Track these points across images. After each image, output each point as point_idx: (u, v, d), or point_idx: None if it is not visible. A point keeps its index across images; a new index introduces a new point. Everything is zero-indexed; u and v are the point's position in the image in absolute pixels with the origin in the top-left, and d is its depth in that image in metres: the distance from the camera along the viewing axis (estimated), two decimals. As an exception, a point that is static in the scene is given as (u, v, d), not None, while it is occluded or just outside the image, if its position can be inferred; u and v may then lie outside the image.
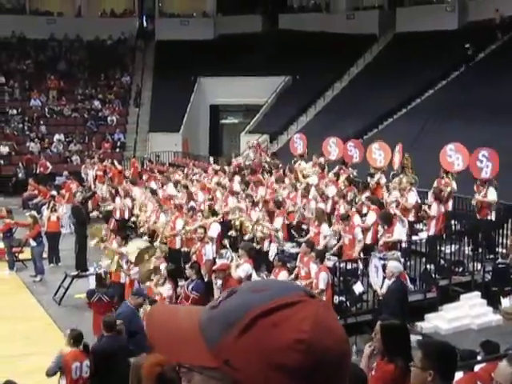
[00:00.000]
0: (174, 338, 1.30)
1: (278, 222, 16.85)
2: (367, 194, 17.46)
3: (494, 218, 16.28)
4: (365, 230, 15.40)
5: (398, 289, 11.78)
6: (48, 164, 32.47)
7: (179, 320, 1.33)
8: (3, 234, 19.92)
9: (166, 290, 13.21)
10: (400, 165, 18.53)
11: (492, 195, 16.04)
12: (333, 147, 21.74)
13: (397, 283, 11.82)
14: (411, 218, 16.45)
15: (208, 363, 1.25)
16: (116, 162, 29.68)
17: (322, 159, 21.35)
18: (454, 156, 17.59)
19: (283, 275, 12.93)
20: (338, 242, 15.93)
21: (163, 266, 14.02)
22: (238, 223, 17.91)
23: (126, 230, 19.36)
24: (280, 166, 23.25)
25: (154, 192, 21.16)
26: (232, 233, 18.09)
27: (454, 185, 16.99)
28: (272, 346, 1.21)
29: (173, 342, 1.30)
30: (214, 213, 17.57)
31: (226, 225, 17.91)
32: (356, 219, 15.53)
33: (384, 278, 12.86)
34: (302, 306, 1.25)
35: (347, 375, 1.28)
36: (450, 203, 17.03)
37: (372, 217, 15.53)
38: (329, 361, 1.23)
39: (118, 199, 22.22)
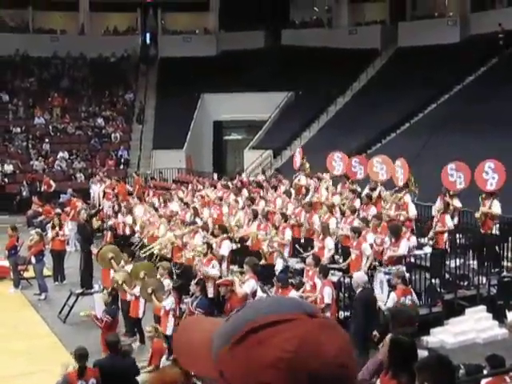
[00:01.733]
0: (191, 349, 1.36)
1: (288, 234, 16.85)
2: (372, 208, 17.41)
3: (497, 232, 16.29)
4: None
5: (365, 298, 12.15)
6: (51, 182, 32.48)
7: (199, 332, 1.39)
8: (8, 252, 19.90)
9: (169, 303, 13.20)
10: (406, 180, 18.24)
11: (496, 208, 16.05)
12: (337, 162, 21.71)
13: (363, 293, 12.20)
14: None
15: (211, 374, 1.29)
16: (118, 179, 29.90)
17: (325, 175, 21.35)
18: (455, 175, 17.52)
19: (292, 294, 12.88)
20: (345, 258, 15.93)
21: (166, 283, 14.02)
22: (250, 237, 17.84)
23: (131, 247, 19.41)
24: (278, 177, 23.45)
25: (156, 209, 21.27)
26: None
27: (457, 203, 16.94)
28: (255, 363, 1.23)
29: (189, 353, 1.37)
30: (224, 230, 17.53)
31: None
32: (370, 238, 15.39)
33: (389, 292, 12.87)
34: (293, 325, 1.25)
35: None
36: (455, 220, 16.99)
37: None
38: (314, 383, 1.22)
39: (120, 216, 22.30)
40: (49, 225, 22.54)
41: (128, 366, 10.23)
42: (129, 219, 21.78)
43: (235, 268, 15.14)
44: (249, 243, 17.81)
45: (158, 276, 14.43)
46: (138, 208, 22.60)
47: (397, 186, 18.17)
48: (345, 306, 13.96)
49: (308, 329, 1.25)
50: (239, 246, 18.11)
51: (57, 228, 20.12)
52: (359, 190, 19.67)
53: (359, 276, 12.61)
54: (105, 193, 28.59)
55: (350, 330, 11.24)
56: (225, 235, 17.03)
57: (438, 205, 16.46)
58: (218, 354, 1.28)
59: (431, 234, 16.23)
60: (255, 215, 18.14)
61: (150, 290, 13.55)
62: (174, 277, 15.14)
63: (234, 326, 1.28)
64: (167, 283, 13.91)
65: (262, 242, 16.95)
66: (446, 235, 15.85)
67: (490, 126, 26.15)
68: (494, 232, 16.19)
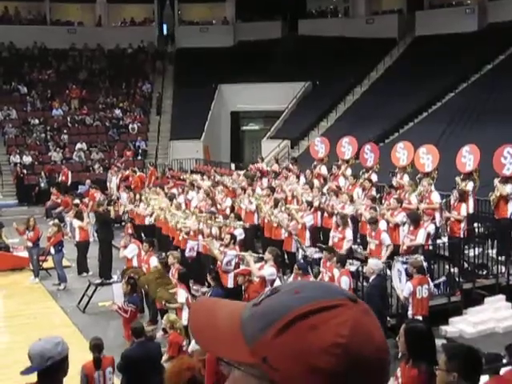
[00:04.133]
0: (215, 333, 1.32)
1: (309, 218, 16.95)
2: (394, 196, 17.37)
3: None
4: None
5: (380, 285, 12.37)
6: (69, 173, 32.60)
7: (221, 315, 1.35)
8: (33, 243, 19.93)
9: (181, 295, 13.22)
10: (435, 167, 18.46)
11: (509, 188, 16.11)
12: (346, 147, 21.90)
13: (378, 280, 12.36)
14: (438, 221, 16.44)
15: (246, 359, 1.27)
16: (136, 169, 29.92)
17: (340, 162, 21.49)
18: (467, 157, 17.63)
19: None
20: (364, 247, 15.93)
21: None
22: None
23: (151, 236, 19.50)
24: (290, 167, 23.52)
25: (171, 199, 21.16)
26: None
27: (469, 187, 16.89)
28: (309, 347, 1.22)
29: (213, 337, 1.33)
30: (238, 218, 17.58)
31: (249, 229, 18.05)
32: (382, 224, 15.45)
33: (407, 281, 12.85)
34: (342, 310, 1.25)
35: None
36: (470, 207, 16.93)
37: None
38: (366, 368, 1.23)
39: (142, 205, 22.27)
40: (67, 215, 22.64)
41: (156, 349, 10.36)
42: (146, 209, 21.73)
43: (246, 253, 15.03)
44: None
45: (170, 264, 14.55)
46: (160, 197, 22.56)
47: (420, 172, 18.25)
48: (363, 296, 13.95)
49: (356, 314, 1.26)
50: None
51: (80, 219, 20.21)
52: (375, 179, 19.71)
53: (375, 263, 12.64)
54: (120, 183, 28.63)
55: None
56: (238, 222, 17.10)
57: (455, 193, 16.40)
58: (260, 339, 1.26)
59: (444, 220, 16.26)
60: (276, 204, 18.18)
61: (163, 302, 13.58)
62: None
63: (276, 311, 1.26)
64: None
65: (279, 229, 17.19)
66: (462, 224, 15.79)
67: (508, 115, 25.96)
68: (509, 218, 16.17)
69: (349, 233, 15.70)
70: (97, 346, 9.76)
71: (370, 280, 12.36)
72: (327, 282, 12.38)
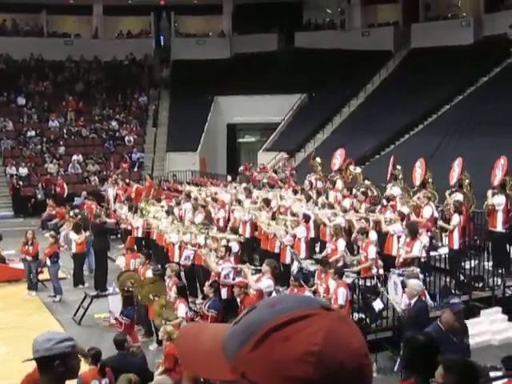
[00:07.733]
0: (199, 356, 1.35)
1: (302, 230, 16.89)
2: (389, 211, 17.35)
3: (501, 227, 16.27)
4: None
5: (423, 306, 11.58)
6: (65, 185, 32.67)
7: (205, 338, 1.37)
8: (33, 257, 19.79)
9: (181, 310, 13.17)
10: (422, 180, 18.56)
11: (499, 200, 16.17)
12: (338, 158, 22.13)
13: (421, 301, 11.64)
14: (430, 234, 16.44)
15: (227, 377, 1.28)
16: (130, 182, 29.90)
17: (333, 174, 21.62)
18: (457, 169, 17.77)
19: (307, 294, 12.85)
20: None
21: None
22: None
23: (147, 248, 19.47)
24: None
25: (168, 212, 21.11)
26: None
27: (459, 198, 16.95)
28: (284, 359, 1.23)
29: (197, 360, 1.35)
30: (234, 231, 17.58)
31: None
32: (372, 236, 15.46)
33: (403, 293, 12.80)
34: (315, 320, 1.26)
35: None
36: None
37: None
38: (343, 374, 1.23)
39: (138, 218, 22.19)
40: (63, 227, 22.58)
41: (136, 365, 10.29)
42: (139, 221, 21.65)
43: (244, 266, 15.00)
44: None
45: (167, 278, 14.50)
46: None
47: (414, 185, 18.35)
48: (359, 308, 13.94)
49: (329, 322, 1.27)
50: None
51: (77, 231, 20.12)
52: (375, 193, 19.75)
53: (416, 283, 11.98)
54: (117, 195, 28.61)
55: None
56: (234, 236, 17.09)
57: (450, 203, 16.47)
58: (237, 355, 1.27)
59: (437, 229, 16.29)
60: (273, 215, 18.18)
61: (163, 322, 13.51)
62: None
63: (252, 326, 1.28)
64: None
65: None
66: (456, 235, 15.80)
67: (504, 127, 26.02)
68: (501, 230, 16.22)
69: (341, 244, 15.67)
70: (99, 355, 9.78)
71: (413, 302, 11.60)
72: (303, 293, 12.36)
